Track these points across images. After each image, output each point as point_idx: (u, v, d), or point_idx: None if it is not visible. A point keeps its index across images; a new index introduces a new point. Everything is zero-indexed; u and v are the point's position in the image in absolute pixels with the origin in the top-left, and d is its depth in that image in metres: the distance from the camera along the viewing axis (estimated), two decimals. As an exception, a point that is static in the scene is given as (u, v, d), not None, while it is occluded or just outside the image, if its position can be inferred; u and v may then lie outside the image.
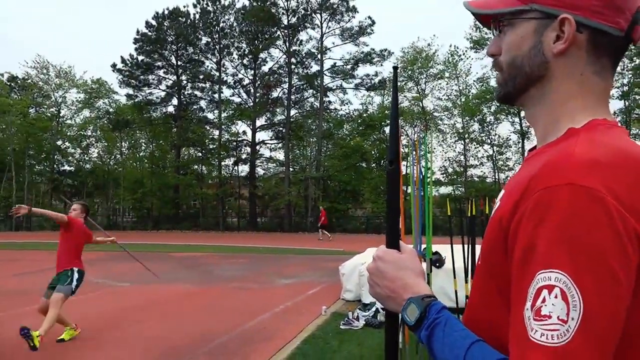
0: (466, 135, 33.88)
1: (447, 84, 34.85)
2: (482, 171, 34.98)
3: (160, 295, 8.84)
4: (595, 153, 0.68)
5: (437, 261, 6.68)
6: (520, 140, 32.78)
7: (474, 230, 5.11)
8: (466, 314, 0.87)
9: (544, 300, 0.62)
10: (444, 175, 34.85)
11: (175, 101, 39.75)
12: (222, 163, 39.24)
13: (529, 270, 0.65)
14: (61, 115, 39.50)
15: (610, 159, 0.68)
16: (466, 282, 4.96)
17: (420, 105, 34.74)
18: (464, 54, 33.69)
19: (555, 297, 0.62)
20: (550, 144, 0.80)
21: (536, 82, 0.84)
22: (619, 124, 0.81)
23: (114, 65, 37.54)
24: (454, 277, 5.45)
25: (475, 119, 33.45)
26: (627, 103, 31.06)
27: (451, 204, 7.09)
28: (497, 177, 34.10)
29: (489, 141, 33.94)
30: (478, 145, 34.30)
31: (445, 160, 35.34)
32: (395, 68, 1.05)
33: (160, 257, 15.90)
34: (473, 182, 33.54)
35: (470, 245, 4.93)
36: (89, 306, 7.79)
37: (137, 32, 37.32)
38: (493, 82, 32.09)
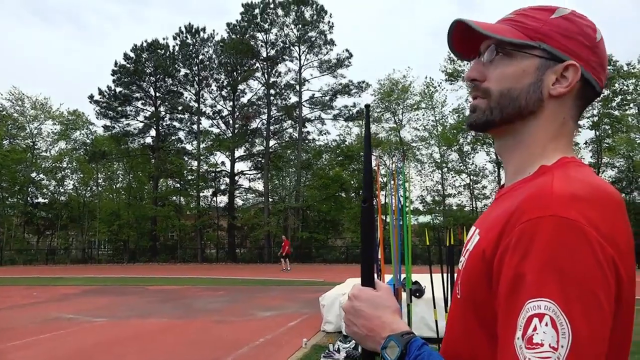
0: (443, 165, 34.38)
1: (423, 115, 35.53)
2: (459, 200, 35.45)
3: (138, 330, 8.64)
4: (573, 187, 0.72)
5: (417, 291, 6.71)
6: (496, 169, 33.40)
7: (452, 260, 5.17)
8: (445, 347, 0.87)
9: (535, 329, 0.64)
10: (423, 204, 35.19)
11: (153, 132, 39.51)
12: (201, 194, 38.96)
13: (517, 300, 0.67)
14: (36, 147, 38.98)
15: (587, 193, 0.71)
16: (446, 311, 4.98)
17: (398, 135, 35.24)
18: (439, 85, 34.51)
19: (546, 325, 0.63)
20: (523, 181, 0.83)
21: (524, 117, 0.85)
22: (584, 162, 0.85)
23: (91, 97, 37.32)
24: (434, 307, 5.47)
25: (453, 148, 34.00)
26: (597, 133, 32.05)
27: (430, 233, 7.15)
28: (474, 205, 34.56)
29: (466, 170, 34.47)
30: (455, 175, 34.81)
31: (424, 189, 35.77)
32: (367, 106, 1.06)
33: (137, 290, 15.58)
34: (451, 210, 33.88)
35: (449, 275, 4.98)
36: (63, 343, 7.57)
37: (115, 64, 37.29)
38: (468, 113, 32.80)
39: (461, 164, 34.54)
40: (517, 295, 0.67)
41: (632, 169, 30.67)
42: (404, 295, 4.90)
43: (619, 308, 0.69)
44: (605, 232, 0.68)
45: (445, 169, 34.57)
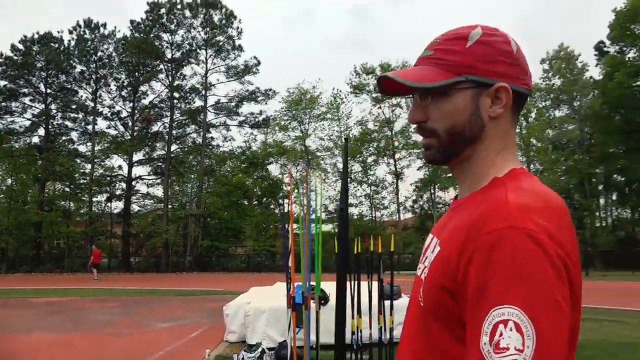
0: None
1: (329, 125, 36.34)
2: (360, 209, 36.57)
3: (24, 346, 7.89)
4: (525, 199, 0.77)
5: (322, 299, 6.81)
6: (395, 181, 34.93)
7: (359, 268, 5.30)
8: (406, 357, 0.88)
9: (501, 335, 0.68)
10: (325, 212, 35.85)
11: (42, 131, 36.77)
12: (94, 199, 36.75)
13: (483, 309, 0.71)
14: None
15: (538, 204, 0.77)
16: (352, 318, 5.09)
17: (303, 144, 35.67)
18: (345, 97, 35.52)
19: (511, 330, 0.67)
20: (477, 192, 0.87)
21: (471, 143, 0.89)
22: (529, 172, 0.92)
23: (-30, 89, 33.95)
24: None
25: (357, 159, 35.02)
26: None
27: (335, 242, 7.25)
28: (374, 215, 35.83)
29: (367, 181, 35.67)
30: (357, 185, 35.85)
31: (326, 198, 36.46)
32: (346, 139, 1.15)
33: (19, 303, 14.28)
34: (352, 220, 34.80)
35: (355, 282, 5.10)
36: None
37: (1, 55, 34.28)
38: (371, 126, 34.26)
39: (363, 175, 35.67)
40: (483, 304, 0.71)
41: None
42: (312, 303, 4.94)
43: (571, 308, 0.74)
44: (558, 239, 0.74)
45: (348, 179, 35.43)
